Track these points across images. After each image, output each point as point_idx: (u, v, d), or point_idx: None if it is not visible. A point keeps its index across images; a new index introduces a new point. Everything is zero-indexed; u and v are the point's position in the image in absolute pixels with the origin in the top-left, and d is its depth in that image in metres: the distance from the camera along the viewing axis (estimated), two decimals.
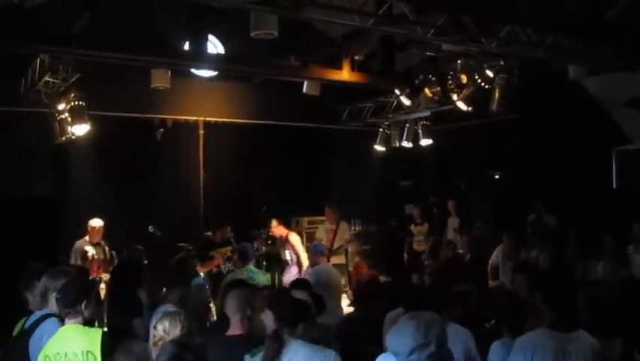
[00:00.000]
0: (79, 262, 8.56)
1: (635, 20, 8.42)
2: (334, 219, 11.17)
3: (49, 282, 4.53)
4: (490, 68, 9.38)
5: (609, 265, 7.66)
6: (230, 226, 10.36)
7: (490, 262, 9.55)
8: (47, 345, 4.10)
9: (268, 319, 4.22)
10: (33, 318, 4.52)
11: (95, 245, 9.11)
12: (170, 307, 3.82)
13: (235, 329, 4.44)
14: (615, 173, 11.12)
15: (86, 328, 4.11)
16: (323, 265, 8.29)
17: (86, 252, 8.91)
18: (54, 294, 4.38)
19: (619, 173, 11.09)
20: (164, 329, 3.65)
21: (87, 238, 9.17)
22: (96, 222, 9.26)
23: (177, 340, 3.59)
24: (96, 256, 8.87)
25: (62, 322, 4.26)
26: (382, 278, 9.39)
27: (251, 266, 7.77)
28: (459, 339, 4.60)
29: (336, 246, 10.97)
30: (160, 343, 3.62)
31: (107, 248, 9.23)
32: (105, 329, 4.10)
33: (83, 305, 4.14)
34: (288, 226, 10.94)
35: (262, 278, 7.57)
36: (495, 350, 4.44)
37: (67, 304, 4.14)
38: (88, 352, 3.90)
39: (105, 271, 8.56)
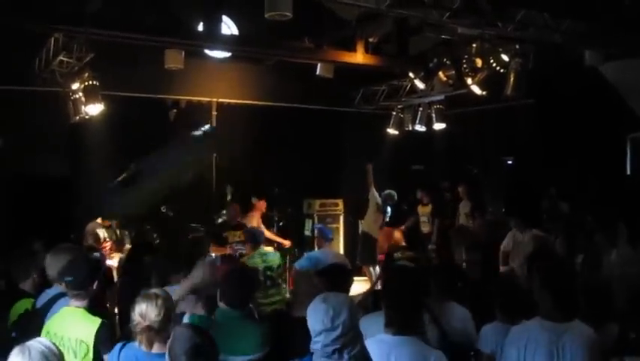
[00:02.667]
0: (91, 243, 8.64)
1: None
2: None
3: (67, 258, 4.46)
4: (506, 52, 9.28)
5: (624, 251, 7.60)
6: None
7: (502, 247, 9.52)
8: (50, 322, 4.08)
9: None
10: (45, 297, 4.52)
11: (106, 227, 9.19)
12: (158, 291, 3.66)
13: None
14: (630, 160, 11.04)
15: (87, 315, 4.02)
16: (326, 248, 8.31)
17: (98, 233, 9.02)
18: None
19: (633, 160, 11.01)
20: (140, 312, 3.44)
21: (99, 220, 9.25)
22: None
23: (156, 324, 3.43)
24: (107, 238, 8.95)
25: None
26: None
27: (262, 248, 7.81)
28: (458, 318, 4.67)
29: None
30: (138, 327, 3.45)
31: (118, 230, 9.30)
32: (104, 320, 3.98)
33: (94, 286, 4.14)
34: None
35: (275, 258, 7.65)
36: (485, 333, 4.47)
37: (77, 286, 4.08)
38: (81, 342, 3.82)
39: (117, 252, 8.64)
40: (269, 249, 8.72)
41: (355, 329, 3.08)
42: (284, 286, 6.90)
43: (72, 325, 3.93)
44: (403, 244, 9.46)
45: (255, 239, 7.85)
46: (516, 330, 3.99)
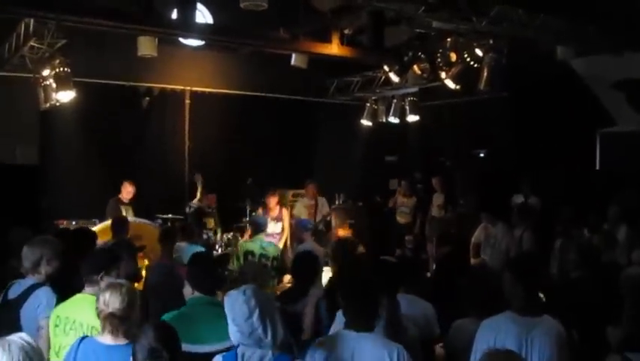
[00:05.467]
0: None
1: (623, 2, 8.42)
2: (314, 194, 11.18)
3: (44, 250, 4.47)
4: (480, 47, 9.36)
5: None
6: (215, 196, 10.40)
7: (473, 239, 9.62)
8: (61, 306, 4.11)
9: None
10: (19, 287, 4.45)
11: (127, 204, 9.40)
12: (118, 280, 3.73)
13: None
14: (599, 155, 11.20)
15: None
16: (308, 242, 8.30)
17: (121, 211, 9.30)
18: (45, 261, 4.41)
19: (603, 155, 11.17)
20: (104, 300, 3.48)
21: (120, 196, 9.30)
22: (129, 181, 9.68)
23: (119, 312, 3.46)
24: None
25: (60, 289, 4.29)
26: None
27: (262, 236, 7.87)
28: (419, 310, 4.76)
29: (318, 220, 10.97)
30: (101, 315, 3.50)
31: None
32: None
33: (103, 274, 4.14)
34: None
35: (272, 249, 7.75)
36: (456, 328, 4.55)
37: (91, 271, 4.15)
38: (92, 327, 3.84)
39: None
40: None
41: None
42: (274, 281, 6.87)
43: (85, 310, 3.94)
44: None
45: (257, 225, 8.05)
46: (486, 324, 4.02)
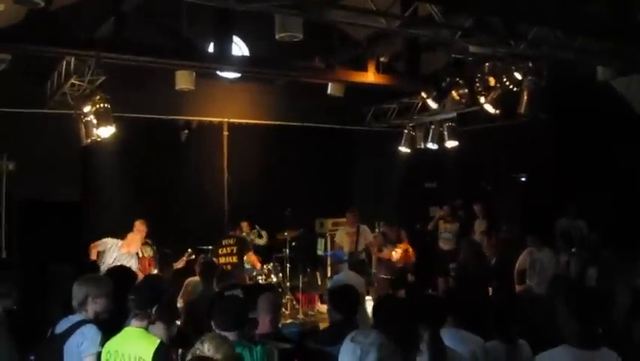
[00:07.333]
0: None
1: None
2: (355, 222, 11.08)
3: (90, 288, 4.52)
4: (519, 70, 9.24)
5: None
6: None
7: (517, 265, 9.43)
8: (111, 341, 4.20)
9: None
10: (66, 323, 4.50)
11: (143, 244, 9.24)
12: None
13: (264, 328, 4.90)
14: None
15: (147, 334, 4.16)
16: (343, 273, 8.22)
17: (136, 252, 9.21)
18: (92, 299, 4.45)
19: None
20: (207, 348, 3.53)
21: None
22: (142, 223, 9.46)
23: None
24: (146, 255, 8.99)
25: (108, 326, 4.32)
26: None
27: None
28: (467, 346, 4.53)
29: (360, 248, 10.87)
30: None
31: (154, 246, 9.37)
32: (162, 340, 4.08)
33: (153, 310, 4.21)
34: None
35: None
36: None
37: (139, 306, 4.21)
38: (140, 358, 3.97)
39: (156, 268, 8.75)
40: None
41: None
42: None
43: (132, 343, 4.09)
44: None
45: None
46: (543, 358, 3.90)
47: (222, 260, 9.58)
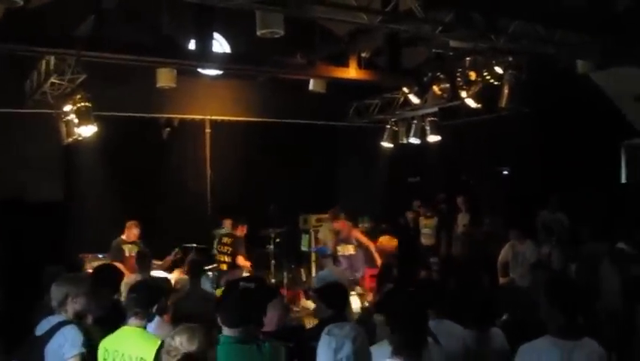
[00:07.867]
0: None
1: None
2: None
3: (70, 288, 4.42)
4: (499, 65, 9.30)
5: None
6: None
7: (500, 258, 9.50)
8: (107, 339, 4.16)
9: None
10: (47, 324, 4.45)
11: (131, 243, 9.18)
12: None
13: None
14: (625, 167, 11.04)
15: (147, 334, 4.14)
16: (328, 268, 8.25)
17: (124, 250, 9.12)
18: (71, 299, 4.36)
19: (628, 167, 11.01)
20: (180, 341, 3.27)
21: (124, 236, 9.25)
22: (133, 222, 9.40)
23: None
24: (133, 254, 8.95)
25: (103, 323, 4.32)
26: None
27: None
28: (455, 335, 4.58)
29: None
30: (173, 353, 3.35)
31: (142, 246, 9.30)
32: (164, 340, 3.98)
33: (154, 308, 4.21)
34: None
35: None
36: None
37: (139, 305, 4.18)
38: (141, 359, 3.92)
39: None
40: None
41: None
42: None
43: (133, 342, 4.04)
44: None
45: None
46: (525, 349, 3.92)
47: (220, 257, 9.84)
